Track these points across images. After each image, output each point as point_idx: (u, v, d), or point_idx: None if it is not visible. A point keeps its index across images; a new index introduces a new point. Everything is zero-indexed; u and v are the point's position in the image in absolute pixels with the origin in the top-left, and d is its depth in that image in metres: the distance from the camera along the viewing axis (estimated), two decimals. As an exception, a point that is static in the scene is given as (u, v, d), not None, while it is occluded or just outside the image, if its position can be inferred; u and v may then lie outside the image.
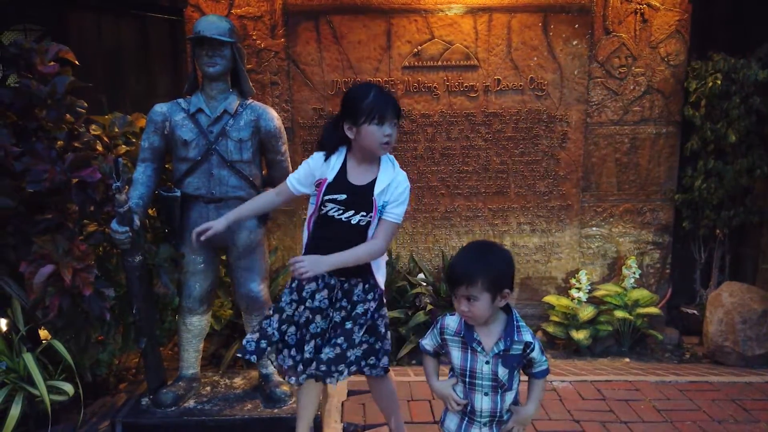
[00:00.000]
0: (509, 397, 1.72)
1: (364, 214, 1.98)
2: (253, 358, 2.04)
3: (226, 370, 3.00)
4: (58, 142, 2.36)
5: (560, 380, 3.10)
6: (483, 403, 1.69)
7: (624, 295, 3.63)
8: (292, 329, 2.06)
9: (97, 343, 2.54)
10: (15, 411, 2.21)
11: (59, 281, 2.13)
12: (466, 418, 1.74)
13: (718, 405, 2.86)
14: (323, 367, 1.98)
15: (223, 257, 2.72)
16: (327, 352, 1.99)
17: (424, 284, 3.57)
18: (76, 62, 2.49)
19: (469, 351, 1.70)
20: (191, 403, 2.57)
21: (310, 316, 2.04)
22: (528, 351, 1.69)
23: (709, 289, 3.90)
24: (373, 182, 1.99)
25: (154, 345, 2.54)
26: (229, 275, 2.67)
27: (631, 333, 3.64)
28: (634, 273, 3.67)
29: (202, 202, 2.44)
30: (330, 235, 2.02)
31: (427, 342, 1.84)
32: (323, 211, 2.02)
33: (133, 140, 2.76)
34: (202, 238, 2.07)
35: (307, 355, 2.02)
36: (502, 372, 1.67)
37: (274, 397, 2.56)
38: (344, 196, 1.98)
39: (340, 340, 2.01)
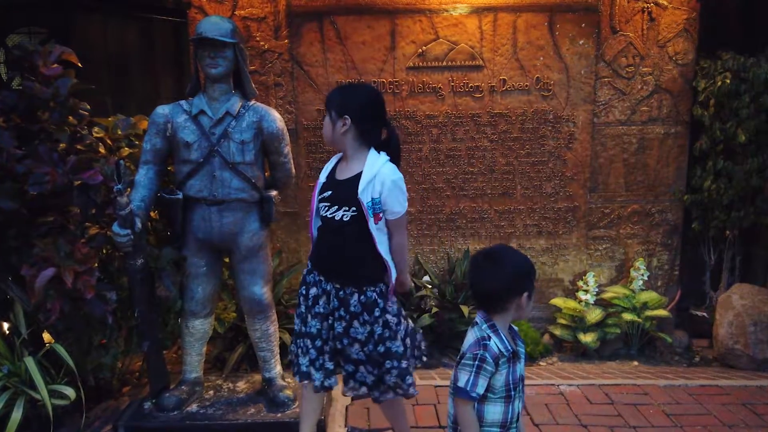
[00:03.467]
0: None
1: (347, 209, 1.97)
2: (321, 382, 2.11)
3: (230, 373, 2.98)
4: (61, 145, 2.35)
5: (567, 384, 3.05)
6: (519, 405, 1.71)
7: (632, 297, 3.58)
8: (317, 342, 2.09)
9: (100, 347, 2.53)
10: (17, 415, 2.20)
11: (61, 284, 2.12)
12: None
13: (728, 409, 2.81)
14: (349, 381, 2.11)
15: (227, 260, 2.71)
16: (366, 377, 2.07)
17: (430, 286, 3.54)
18: (79, 64, 2.49)
19: (512, 364, 1.66)
20: (194, 407, 2.55)
21: (322, 321, 2.06)
22: None
23: (719, 291, 3.84)
24: (357, 176, 1.97)
25: (156, 348, 2.52)
26: (232, 278, 2.66)
27: (639, 336, 3.59)
28: (643, 275, 3.62)
29: (204, 205, 2.43)
30: (326, 236, 2.06)
31: (481, 385, 1.60)
32: (321, 213, 2.06)
33: (137, 142, 2.75)
34: None
35: (325, 361, 2.08)
36: (520, 367, 1.71)
37: (277, 401, 2.53)
38: (329, 193, 2.01)
39: (349, 367, 2.07)
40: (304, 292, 2.11)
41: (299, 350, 2.13)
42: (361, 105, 1.99)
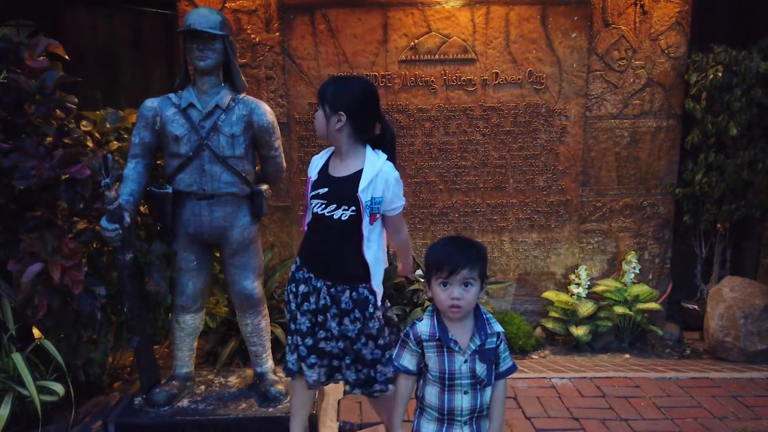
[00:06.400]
0: (488, 392, 1.69)
1: (346, 208, 1.92)
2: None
3: (222, 368, 2.96)
4: (48, 138, 2.32)
5: (559, 377, 3.06)
6: (463, 402, 1.66)
7: (624, 290, 3.59)
8: (307, 340, 2.06)
9: (89, 342, 2.50)
10: (4, 411, 2.18)
11: (48, 279, 2.10)
12: (446, 421, 1.68)
13: (719, 401, 2.83)
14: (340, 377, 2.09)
15: (218, 254, 2.69)
16: (348, 375, 2.05)
17: (422, 280, 3.53)
18: (66, 57, 2.45)
19: (446, 353, 1.65)
20: (185, 402, 2.54)
21: (312, 318, 2.03)
22: (498, 342, 1.68)
23: (710, 284, 3.86)
24: (356, 175, 1.93)
25: (147, 343, 2.51)
26: (223, 273, 2.64)
27: (631, 329, 3.61)
28: (634, 268, 3.63)
29: (194, 199, 2.40)
30: (318, 234, 2.01)
31: (407, 359, 1.72)
32: (312, 209, 2.01)
33: (126, 136, 2.72)
34: None
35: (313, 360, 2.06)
36: (480, 368, 1.65)
37: (269, 395, 2.52)
38: (326, 190, 1.95)
39: (348, 360, 2.03)
40: (294, 289, 2.06)
41: (288, 347, 2.13)
42: (355, 100, 1.93)
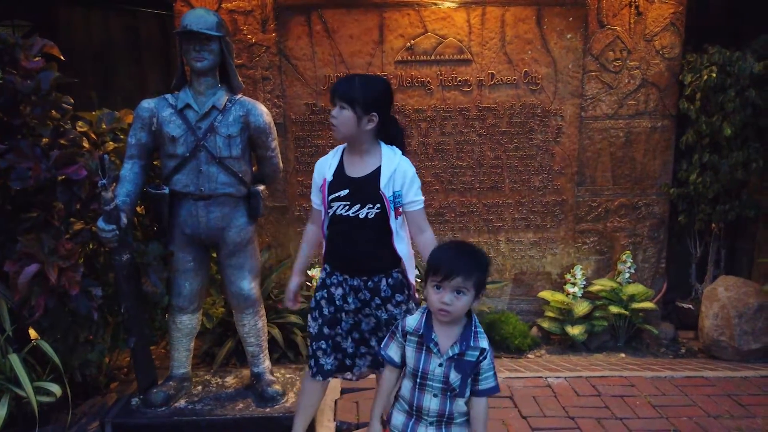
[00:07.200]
0: (460, 402, 1.67)
1: (371, 206, 1.95)
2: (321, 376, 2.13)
3: (219, 368, 2.97)
4: (44, 139, 2.32)
5: (555, 376, 3.08)
6: (432, 403, 1.66)
7: (619, 290, 3.61)
8: (354, 335, 2.11)
9: (86, 343, 2.50)
10: (1, 412, 2.17)
11: (45, 280, 2.09)
12: (414, 416, 1.70)
13: (713, 400, 2.85)
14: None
15: (214, 255, 2.69)
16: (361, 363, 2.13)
17: (419, 280, 3.54)
18: (62, 57, 2.44)
19: (424, 351, 1.67)
20: (182, 402, 2.54)
21: (354, 318, 2.08)
22: (481, 358, 1.64)
23: (705, 283, 3.88)
24: (376, 172, 1.96)
25: (143, 344, 2.50)
26: (220, 273, 2.64)
27: (626, 328, 3.63)
28: (630, 268, 3.65)
29: (191, 200, 2.40)
30: (343, 234, 2.03)
31: (393, 350, 1.75)
32: (331, 212, 2.02)
33: (122, 137, 2.72)
34: (292, 305, 2.19)
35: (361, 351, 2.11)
36: (454, 376, 1.64)
37: (266, 396, 2.53)
38: (347, 191, 1.97)
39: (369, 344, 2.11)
40: (326, 295, 2.08)
41: (320, 351, 2.11)
42: (384, 100, 1.98)
